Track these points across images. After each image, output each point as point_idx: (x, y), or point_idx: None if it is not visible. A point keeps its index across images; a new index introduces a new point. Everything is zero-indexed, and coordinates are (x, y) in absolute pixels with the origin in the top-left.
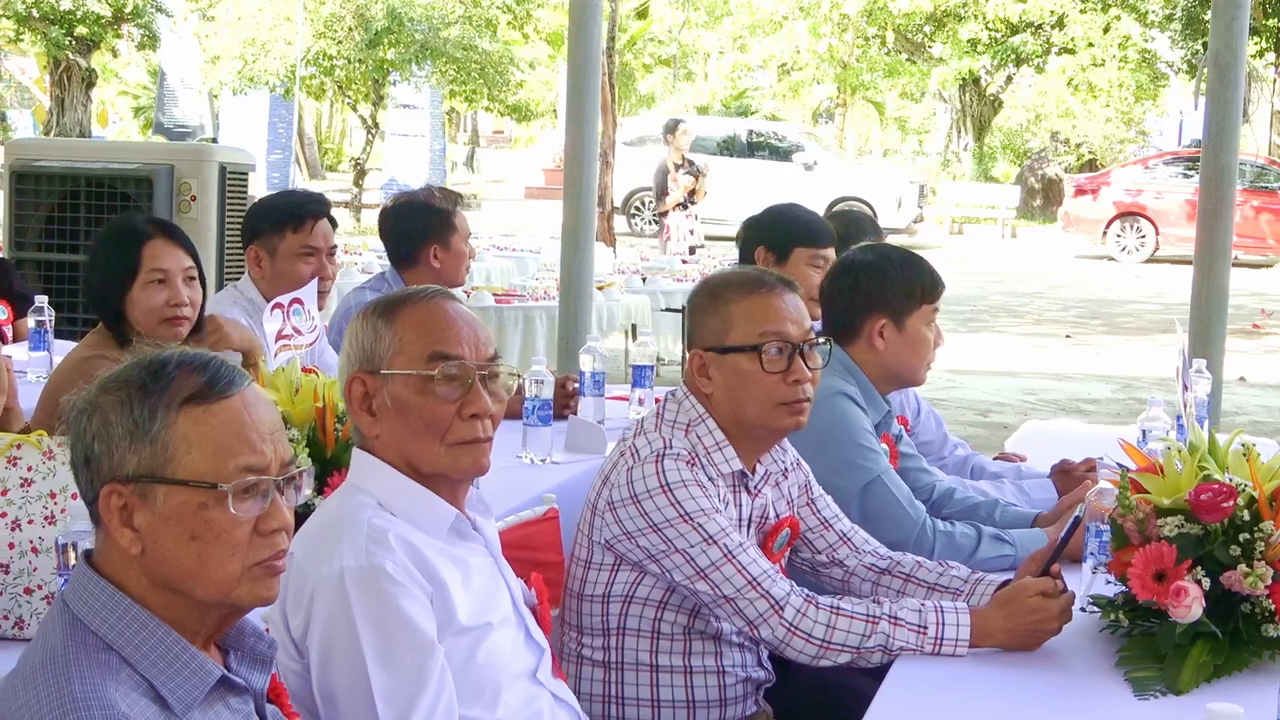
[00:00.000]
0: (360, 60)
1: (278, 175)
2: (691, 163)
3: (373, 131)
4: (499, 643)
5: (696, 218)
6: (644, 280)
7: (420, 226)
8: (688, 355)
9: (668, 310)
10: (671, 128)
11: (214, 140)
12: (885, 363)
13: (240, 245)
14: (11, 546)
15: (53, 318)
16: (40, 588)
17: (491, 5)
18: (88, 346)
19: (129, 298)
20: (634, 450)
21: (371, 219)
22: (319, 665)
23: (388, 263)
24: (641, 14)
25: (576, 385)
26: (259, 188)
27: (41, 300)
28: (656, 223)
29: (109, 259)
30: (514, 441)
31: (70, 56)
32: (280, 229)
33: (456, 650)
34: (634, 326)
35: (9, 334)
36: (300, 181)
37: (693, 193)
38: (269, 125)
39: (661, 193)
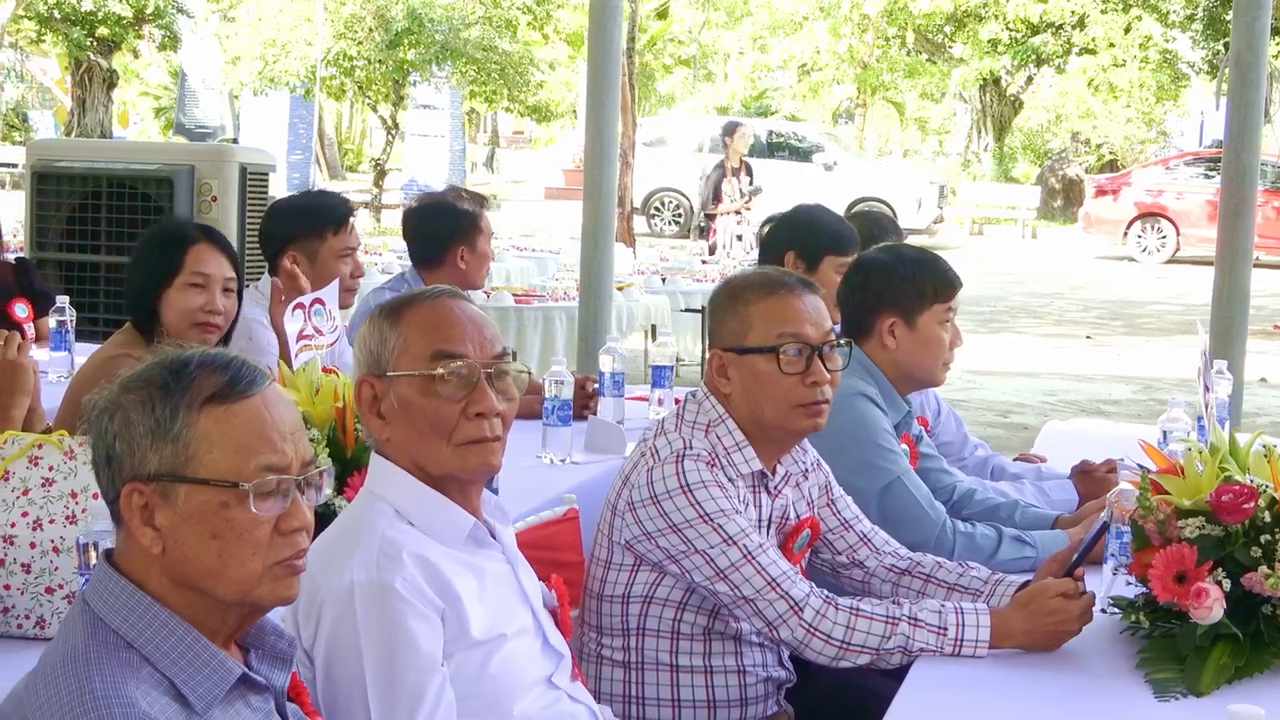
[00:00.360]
0: (380, 61)
1: (298, 176)
2: (749, 166)
3: (393, 132)
4: (514, 652)
5: (750, 225)
6: (664, 281)
7: (448, 228)
8: (708, 356)
9: (687, 311)
10: (730, 130)
11: (234, 141)
12: (898, 362)
13: (259, 246)
14: (33, 546)
15: (74, 318)
16: (61, 587)
17: (512, 6)
18: (114, 345)
19: (165, 298)
20: (654, 451)
21: (391, 219)
22: (322, 676)
23: (408, 263)
24: (661, 14)
25: (596, 386)
26: (279, 188)
27: (63, 300)
28: (676, 222)
29: (152, 257)
30: (534, 442)
31: (91, 57)
32: (320, 232)
33: (469, 663)
34: (654, 327)
35: (29, 332)
36: (320, 182)
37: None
38: (289, 126)
39: (715, 193)
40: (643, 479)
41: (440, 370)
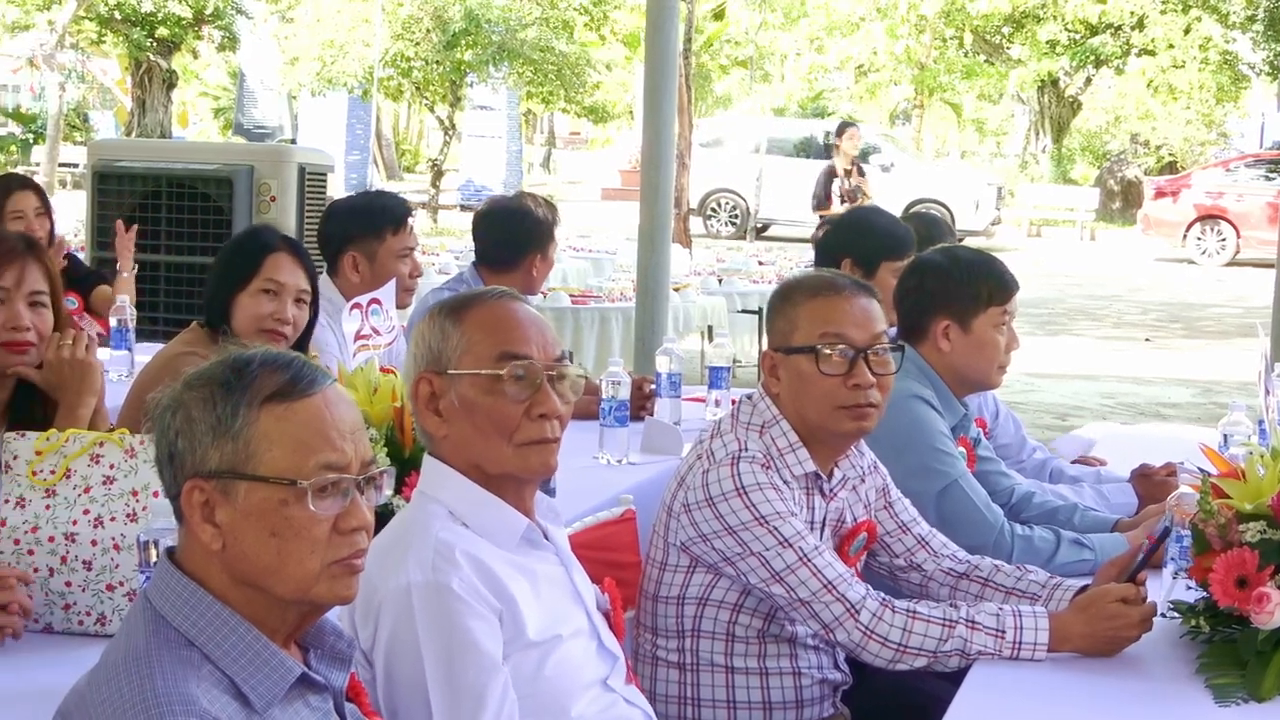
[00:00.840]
0: (438, 62)
1: (355, 176)
2: (860, 168)
3: (450, 133)
4: (569, 654)
5: None
6: (720, 281)
7: (526, 235)
8: (761, 356)
9: (744, 312)
10: (840, 131)
11: (293, 141)
12: (953, 365)
13: (317, 246)
14: (94, 544)
15: (134, 317)
16: (122, 584)
17: (569, 7)
18: (180, 343)
19: (237, 301)
20: (710, 453)
21: (448, 220)
22: (383, 678)
23: (464, 263)
24: (718, 15)
25: (653, 386)
26: (337, 189)
27: (123, 300)
28: (733, 223)
29: (231, 259)
30: (590, 442)
31: (151, 58)
32: (380, 232)
33: (525, 664)
34: (710, 328)
35: (79, 321)
36: (378, 182)
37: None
38: (347, 126)
39: (824, 194)
40: (698, 481)
41: (506, 371)
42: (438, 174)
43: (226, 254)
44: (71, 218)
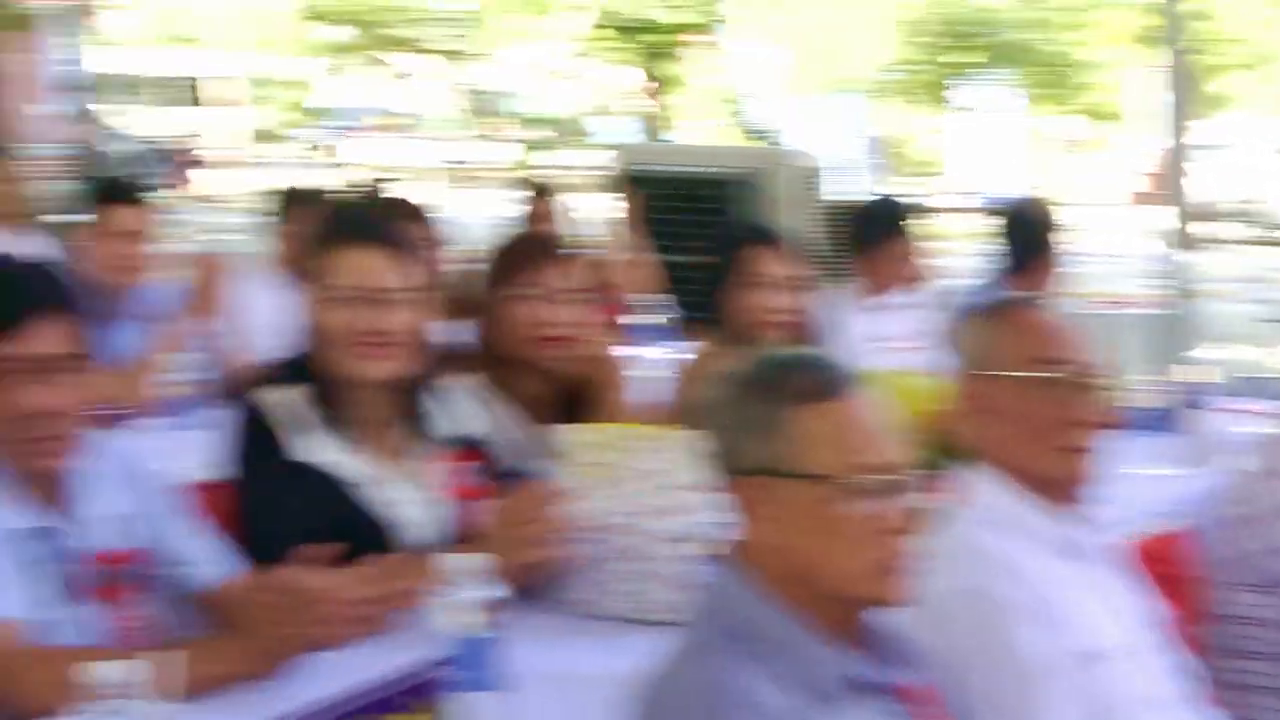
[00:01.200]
0: (936, 63)
1: (853, 179)
2: None
3: (941, 134)
4: (1120, 669)
5: None
6: (1254, 289)
7: (1036, 239)
8: None
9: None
10: None
11: (793, 145)
12: None
13: (822, 248)
14: (647, 535)
15: (671, 317)
16: (678, 577)
17: (1068, 8)
18: (703, 345)
19: (729, 298)
20: (1276, 469)
21: (954, 223)
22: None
23: (970, 265)
24: (1201, 16)
25: (1193, 396)
26: (840, 192)
27: (660, 299)
28: (1261, 229)
29: (714, 260)
30: (1128, 451)
31: (655, 64)
32: (882, 237)
33: (1070, 678)
34: (1249, 335)
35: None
36: (876, 185)
37: None
38: (845, 128)
39: None
40: (1265, 497)
41: (1044, 375)
42: (937, 176)
43: (712, 253)
44: (597, 220)
